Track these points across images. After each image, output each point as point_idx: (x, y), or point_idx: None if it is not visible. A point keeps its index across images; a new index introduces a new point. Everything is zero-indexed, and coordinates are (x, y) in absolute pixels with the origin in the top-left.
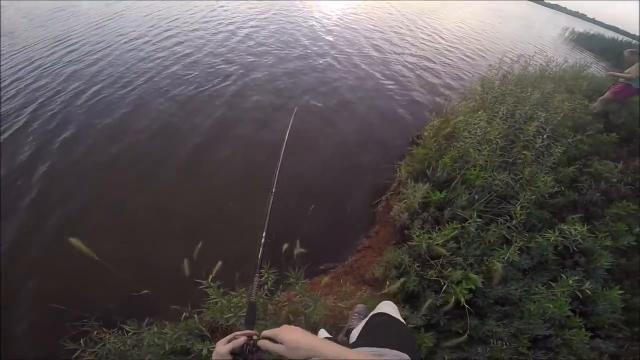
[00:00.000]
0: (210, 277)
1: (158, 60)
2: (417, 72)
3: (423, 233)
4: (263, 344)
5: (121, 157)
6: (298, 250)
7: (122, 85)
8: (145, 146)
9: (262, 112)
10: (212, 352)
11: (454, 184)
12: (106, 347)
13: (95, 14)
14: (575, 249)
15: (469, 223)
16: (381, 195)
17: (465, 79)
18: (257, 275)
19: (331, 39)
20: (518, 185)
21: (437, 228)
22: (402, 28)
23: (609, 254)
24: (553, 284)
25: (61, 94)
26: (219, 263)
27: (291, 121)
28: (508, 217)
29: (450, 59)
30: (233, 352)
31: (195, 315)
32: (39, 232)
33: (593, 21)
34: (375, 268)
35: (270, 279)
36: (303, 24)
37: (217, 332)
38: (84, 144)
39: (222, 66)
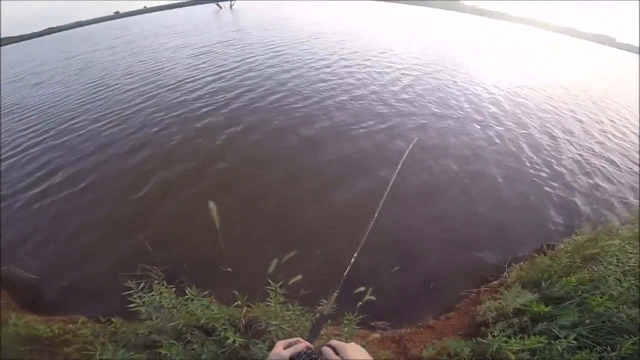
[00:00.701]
0: (281, 283)
1: (331, 86)
2: (588, 171)
3: (502, 336)
4: (326, 350)
5: (276, 157)
6: (367, 297)
7: (301, 99)
8: (296, 156)
9: (398, 158)
10: (238, 343)
11: (567, 302)
12: (154, 298)
13: (299, 31)
14: None
15: (559, 341)
16: (474, 286)
17: None
18: (337, 291)
19: (495, 109)
20: None
21: (519, 336)
22: (586, 115)
23: None
24: None
25: (255, 91)
26: (299, 276)
27: (408, 150)
28: (609, 347)
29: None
30: (290, 357)
31: (244, 308)
32: (186, 188)
33: None
34: (428, 348)
35: (330, 310)
36: (469, 87)
37: (250, 330)
38: (255, 135)
39: (379, 107)
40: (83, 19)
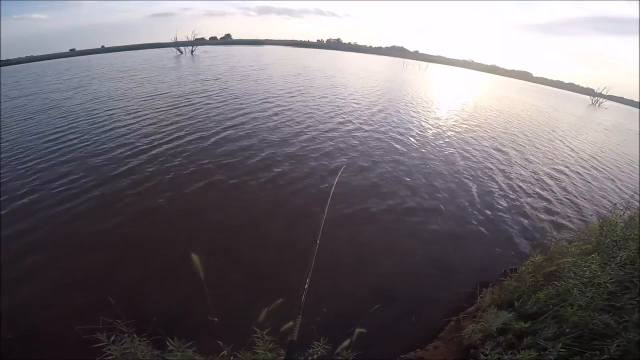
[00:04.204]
0: (267, 330)
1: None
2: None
3: (494, 353)
4: None
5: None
6: (358, 330)
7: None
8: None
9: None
10: None
11: (542, 317)
12: (130, 350)
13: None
14: None
15: (549, 351)
16: (453, 314)
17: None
18: (300, 316)
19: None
20: (621, 327)
21: (510, 352)
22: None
23: None
24: None
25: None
26: (291, 323)
27: (338, 176)
28: (597, 352)
29: (582, 189)
30: None
31: (231, 358)
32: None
33: None
34: None
35: (319, 352)
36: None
37: None
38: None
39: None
40: (36, 53)
